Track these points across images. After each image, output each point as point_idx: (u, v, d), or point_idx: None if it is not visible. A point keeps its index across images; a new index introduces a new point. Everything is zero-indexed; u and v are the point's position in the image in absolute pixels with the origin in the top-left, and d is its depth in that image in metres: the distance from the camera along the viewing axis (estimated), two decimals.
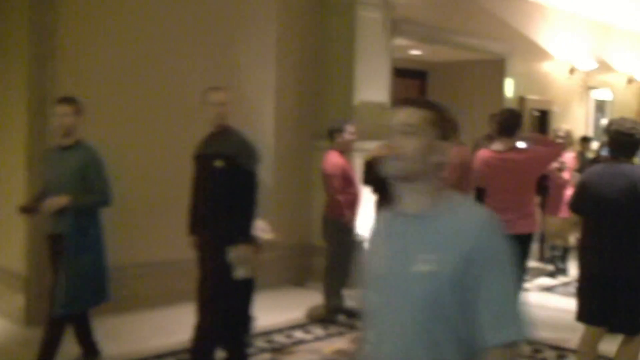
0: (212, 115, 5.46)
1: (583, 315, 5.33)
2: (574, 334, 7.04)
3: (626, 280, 5.09)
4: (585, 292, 5.32)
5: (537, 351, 6.69)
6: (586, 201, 5.28)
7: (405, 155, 2.33)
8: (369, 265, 2.50)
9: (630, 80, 15.61)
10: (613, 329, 5.27)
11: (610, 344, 5.47)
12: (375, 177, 7.60)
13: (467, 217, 2.31)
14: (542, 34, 12.71)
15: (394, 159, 2.35)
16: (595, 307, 5.22)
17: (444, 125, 2.44)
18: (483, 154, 6.75)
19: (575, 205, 5.49)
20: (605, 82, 14.79)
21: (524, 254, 6.63)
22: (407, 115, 2.38)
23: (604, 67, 14.59)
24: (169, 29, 7.83)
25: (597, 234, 5.19)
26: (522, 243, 6.55)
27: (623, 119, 5.44)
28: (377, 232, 2.57)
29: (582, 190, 5.34)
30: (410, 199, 2.41)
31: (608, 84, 14.92)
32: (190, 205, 5.66)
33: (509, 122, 6.60)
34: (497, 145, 6.61)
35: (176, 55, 7.86)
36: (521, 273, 6.74)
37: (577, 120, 13.79)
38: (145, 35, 7.67)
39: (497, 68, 11.90)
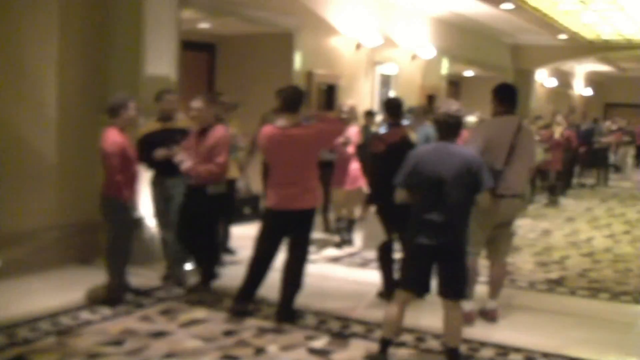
0: None
1: (406, 282, 5.72)
2: (359, 303, 7.32)
3: (453, 249, 5.57)
4: (411, 261, 5.72)
5: (322, 322, 6.82)
6: (418, 177, 5.59)
7: None
8: None
9: (414, 57, 16.21)
10: (441, 295, 5.65)
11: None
12: (149, 154, 7.53)
13: None
14: (330, 9, 12.93)
15: None
16: (420, 276, 5.63)
17: None
18: (267, 130, 6.81)
19: (404, 180, 5.72)
20: (390, 57, 15.26)
21: (308, 228, 6.79)
22: None
23: (389, 43, 15.04)
24: None
25: (429, 207, 5.52)
26: (306, 217, 6.71)
27: (450, 102, 5.90)
28: None
29: (414, 167, 5.64)
30: None
31: (393, 60, 15.41)
32: None
33: (292, 99, 6.69)
34: (281, 122, 6.68)
35: None
36: (307, 246, 6.91)
37: (363, 95, 14.18)
38: None
39: (285, 42, 11.98)
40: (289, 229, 6.77)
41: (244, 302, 6.90)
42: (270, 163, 6.91)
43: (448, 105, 5.72)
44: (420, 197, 5.61)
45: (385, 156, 7.20)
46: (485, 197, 5.67)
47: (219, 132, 7.30)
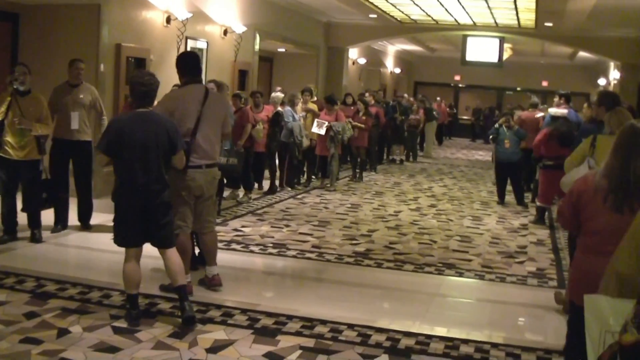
0: None
1: (124, 241, 6.19)
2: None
3: (158, 206, 6.11)
4: (123, 221, 6.14)
5: (107, 297, 6.80)
6: (122, 143, 5.99)
7: None
8: None
9: (226, 32, 16.11)
10: (155, 245, 6.27)
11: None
12: None
13: None
14: None
15: None
16: (134, 232, 6.12)
17: None
18: None
19: (106, 146, 6.06)
20: (202, 32, 15.11)
21: None
22: None
23: (201, 17, 14.88)
24: None
25: (134, 170, 6.00)
26: None
27: (141, 72, 6.46)
28: None
29: (116, 134, 6.03)
30: None
31: (205, 34, 15.26)
32: None
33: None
34: None
35: None
36: None
37: (174, 69, 13.90)
38: None
39: (92, 14, 11.59)
40: None
41: None
42: None
43: (141, 74, 6.25)
44: (125, 162, 6.04)
45: None
46: (180, 157, 6.36)
47: None
